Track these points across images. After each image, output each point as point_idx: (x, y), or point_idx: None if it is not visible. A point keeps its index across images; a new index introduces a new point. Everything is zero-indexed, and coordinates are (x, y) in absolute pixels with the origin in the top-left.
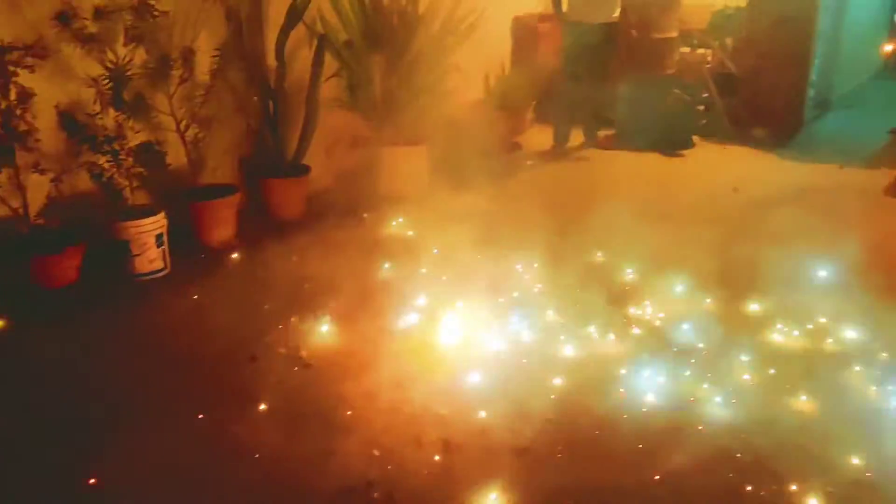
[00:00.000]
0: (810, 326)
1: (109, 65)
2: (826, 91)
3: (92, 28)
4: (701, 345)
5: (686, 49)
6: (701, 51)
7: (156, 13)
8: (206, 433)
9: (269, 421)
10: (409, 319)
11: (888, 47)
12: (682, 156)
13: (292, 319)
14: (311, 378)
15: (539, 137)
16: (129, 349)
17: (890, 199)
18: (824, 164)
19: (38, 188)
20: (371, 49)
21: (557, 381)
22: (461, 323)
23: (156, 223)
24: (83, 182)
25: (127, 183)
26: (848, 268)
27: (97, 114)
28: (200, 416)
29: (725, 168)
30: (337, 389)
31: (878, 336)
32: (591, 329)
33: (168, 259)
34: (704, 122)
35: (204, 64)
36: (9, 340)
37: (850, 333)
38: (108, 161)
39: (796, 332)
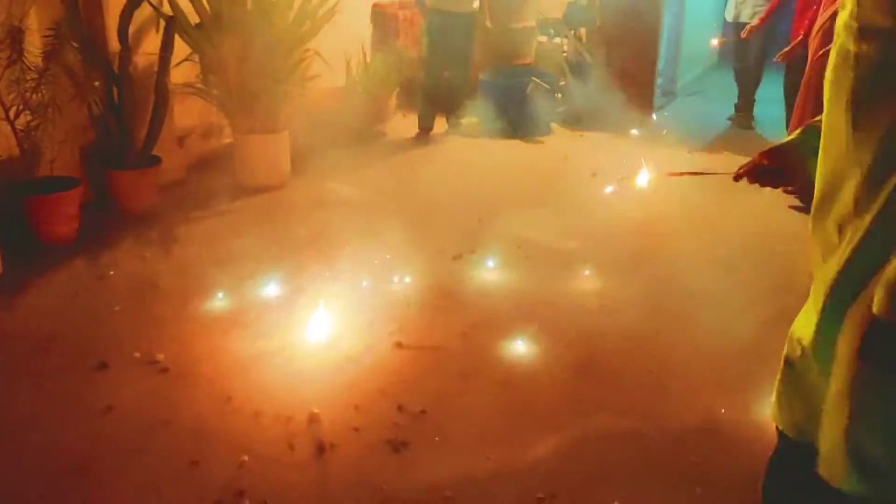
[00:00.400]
0: None
1: None
2: (672, 79)
3: None
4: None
5: (543, 38)
6: (557, 40)
7: None
8: (42, 449)
9: (123, 432)
10: (269, 317)
11: (715, 41)
12: (541, 142)
13: (146, 322)
14: (170, 384)
15: (403, 124)
16: None
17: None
18: (675, 149)
19: None
20: (224, 33)
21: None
22: (323, 317)
23: None
24: None
25: None
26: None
27: None
28: (36, 434)
29: (583, 153)
30: (198, 394)
31: None
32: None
33: (1, 260)
34: (562, 109)
35: (36, 45)
36: None
37: None
38: None
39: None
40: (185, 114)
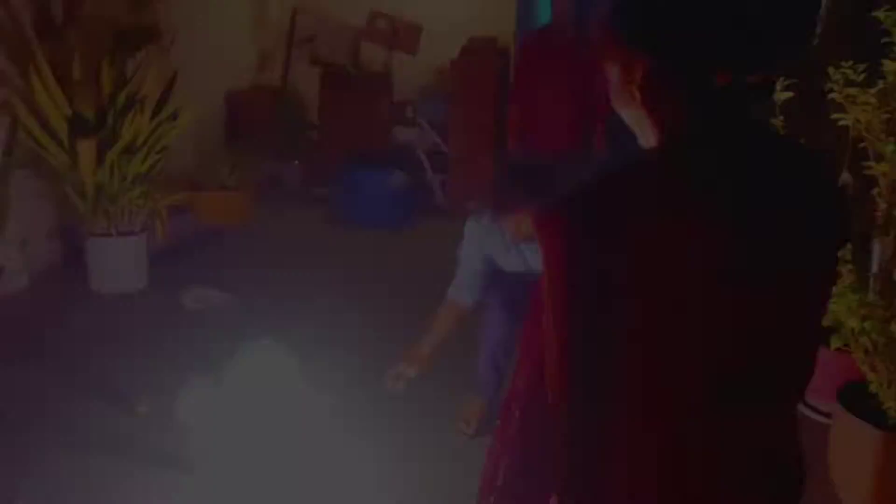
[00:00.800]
0: None
1: None
2: None
3: None
4: None
5: (399, 126)
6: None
7: None
8: None
9: None
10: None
11: None
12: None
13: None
14: None
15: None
16: None
17: None
18: None
19: None
20: (78, 135)
21: None
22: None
23: None
24: None
25: None
26: None
27: None
28: None
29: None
30: None
31: None
32: None
33: None
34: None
35: None
36: None
37: None
38: None
39: None
40: (29, 216)
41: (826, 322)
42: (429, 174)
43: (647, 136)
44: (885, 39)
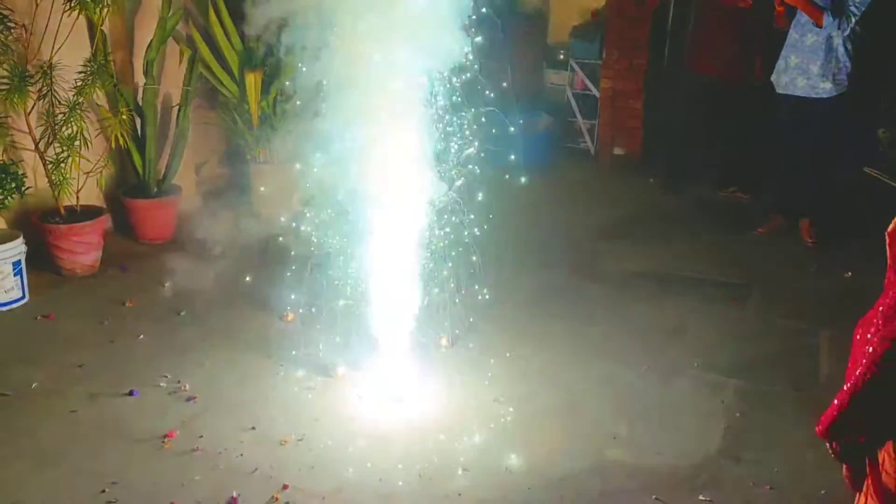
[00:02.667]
0: None
1: None
2: None
3: None
4: None
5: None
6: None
7: (11, 25)
8: (75, 476)
9: (154, 462)
10: (292, 345)
11: None
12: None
13: (170, 350)
14: (195, 412)
15: None
16: None
17: None
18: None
19: None
20: (246, 68)
21: None
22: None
23: (13, 249)
24: None
25: None
26: None
27: None
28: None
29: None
30: (227, 423)
31: None
32: None
33: (26, 287)
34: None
35: (66, 80)
36: None
37: None
38: None
39: None
40: (202, 143)
41: None
42: (578, 118)
43: None
44: None
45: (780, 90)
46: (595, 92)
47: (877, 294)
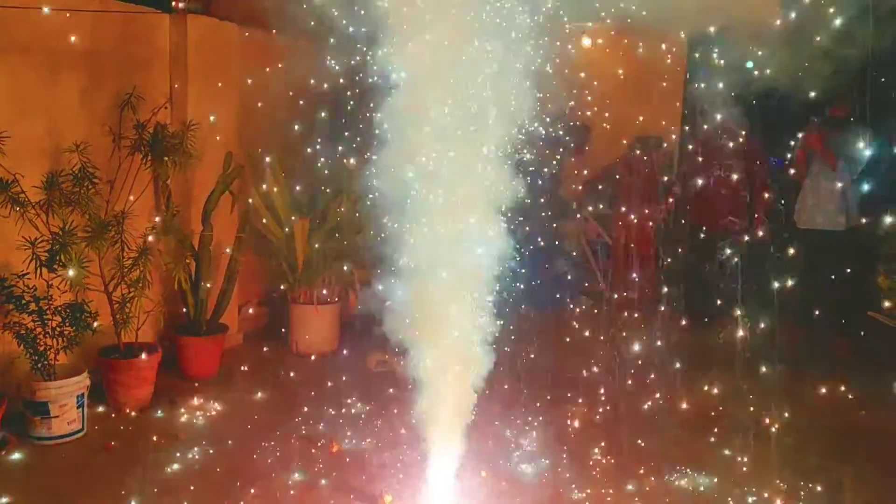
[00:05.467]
0: None
1: (54, 229)
2: None
3: (32, 195)
4: None
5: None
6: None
7: (96, 181)
8: None
9: None
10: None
11: None
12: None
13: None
14: None
15: None
16: None
17: None
18: None
19: None
20: (295, 215)
21: None
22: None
23: (79, 383)
24: (5, 342)
25: (53, 343)
26: None
27: (25, 274)
28: None
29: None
30: None
31: None
32: None
33: (85, 420)
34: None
35: (135, 227)
36: None
37: None
38: (33, 321)
39: None
40: (245, 284)
41: None
42: (592, 262)
43: None
44: None
45: (801, 226)
46: (607, 239)
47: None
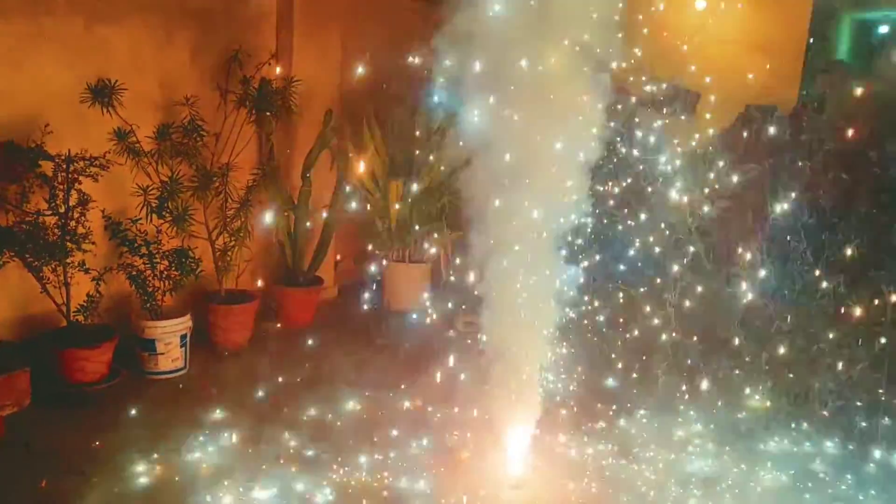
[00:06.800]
0: None
1: (164, 178)
2: None
3: (145, 144)
4: None
5: None
6: None
7: (204, 134)
8: None
9: None
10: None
11: None
12: None
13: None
14: None
15: None
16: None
17: None
18: None
19: (81, 286)
20: (390, 177)
21: None
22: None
23: (182, 324)
24: (119, 282)
25: (160, 285)
26: None
27: (138, 219)
28: None
29: None
30: None
31: None
32: None
33: (188, 359)
34: None
35: (238, 179)
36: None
37: None
38: (143, 264)
39: None
40: (341, 240)
41: None
42: None
43: None
44: None
45: None
46: None
47: None
